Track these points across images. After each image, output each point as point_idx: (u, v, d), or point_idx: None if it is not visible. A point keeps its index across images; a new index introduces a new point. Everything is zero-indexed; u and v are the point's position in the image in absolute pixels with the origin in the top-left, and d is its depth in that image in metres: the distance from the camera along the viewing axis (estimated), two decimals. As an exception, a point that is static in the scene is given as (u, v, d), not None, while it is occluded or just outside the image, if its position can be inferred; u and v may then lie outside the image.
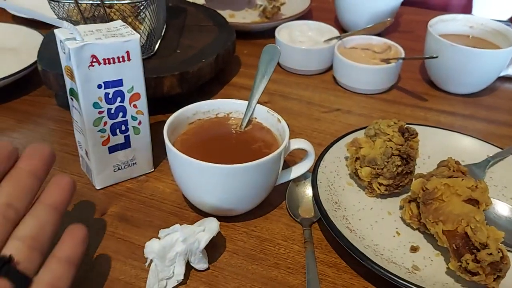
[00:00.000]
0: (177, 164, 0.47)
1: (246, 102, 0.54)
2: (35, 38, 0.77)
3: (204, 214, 0.50)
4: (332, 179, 0.54)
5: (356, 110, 0.71)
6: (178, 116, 0.52)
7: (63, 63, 0.48)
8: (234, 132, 0.54)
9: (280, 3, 0.94)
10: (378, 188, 0.51)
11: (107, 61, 0.46)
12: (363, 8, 0.89)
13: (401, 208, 0.51)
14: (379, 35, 0.84)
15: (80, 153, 0.55)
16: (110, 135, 0.51)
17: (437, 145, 0.59)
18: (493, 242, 0.40)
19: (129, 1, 0.61)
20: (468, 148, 0.59)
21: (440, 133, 0.61)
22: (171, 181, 0.55)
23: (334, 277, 0.45)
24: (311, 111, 0.71)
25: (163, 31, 0.75)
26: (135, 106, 0.51)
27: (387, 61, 0.74)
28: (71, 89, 0.49)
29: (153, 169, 0.57)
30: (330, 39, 0.79)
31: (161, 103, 0.65)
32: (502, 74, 0.78)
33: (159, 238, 0.43)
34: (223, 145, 0.52)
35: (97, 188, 0.54)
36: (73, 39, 0.45)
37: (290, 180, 0.53)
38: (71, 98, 0.50)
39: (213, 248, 0.46)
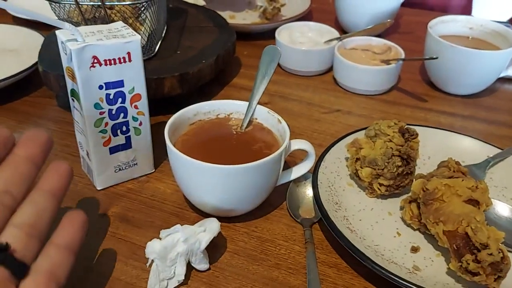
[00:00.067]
0: (178, 164, 0.48)
1: (247, 103, 0.54)
2: (36, 39, 0.78)
3: (204, 215, 0.50)
4: (333, 180, 0.54)
5: (356, 111, 0.72)
6: (179, 116, 0.52)
7: (64, 64, 0.48)
8: (234, 132, 0.54)
9: (280, 4, 0.95)
10: (379, 189, 0.52)
11: (108, 62, 0.46)
12: (363, 9, 0.89)
13: (401, 208, 0.51)
14: (379, 36, 0.85)
15: (81, 154, 0.55)
16: (111, 136, 0.51)
17: (437, 146, 0.59)
18: (493, 243, 0.40)
19: (130, 3, 0.61)
20: (468, 148, 0.59)
21: (440, 133, 0.61)
22: (172, 182, 0.55)
23: (335, 277, 0.45)
24: (311, 112, 0.71)
25: (164, 32, 0.75)
26: (136, 107, 0.51)
27: (387, 62, 0.74)
28: (72, 90, 0.49)
29: (153, 170, 0.57)
30: (330, 40, 0.79)
31: (162, 104, 0.65)
32: (502, 75, 0.78)
33: (160, 239, 0.43)
34: (224, 145, 0.52)
35: (98, 188, 0.54)
36: (74, 40, 0.45)
37: (290, 181, 0.53)
38: (72, 99, 0.50)
39: (214, 249, 0.46)
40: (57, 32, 0.46)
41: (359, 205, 0.52)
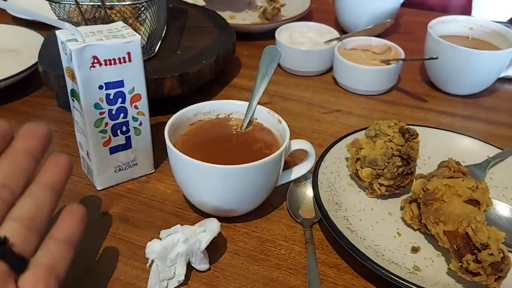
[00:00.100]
0: (178, 164, 0.48)
1: (247, 103, 0.54)
2: (36, 39, 0.78)
3: (205, 215, 0.50)
4: (333, 180, 0.54)
5: (356, 111, 0.72)
6: (179, 116, 0.52)
7: (64, 64, 0.48)
8: (234, 133, 0.54)
9: (280, 5, 0.95)
10: (379, 189, 0.52)
11: (108, 62, 0.46)
12: (363, 10, 0.89)
13: (401, 208, 0.51)
14: (379, 36, 0.85)
15: (81, 154, 0.55)
16: (111, 136, 0.51)
17: (438, 146, 0.59)
18: (494, 243, 0.40)
19: (130, 3, 0.61)
20: (469, 149, 0.59)
21: (440, 134, 0.61)
22: (172, 182, 0.55)
23: (335, 277, 0.45)
24: (311, 112, 0.71)
25: (164, 32, 0.75)
26: (136, 107, 0.51)
27: (387, 62, 0.74)
28: (72, 90, 0.49)
29: (153, 170, 0.57)
30: (330, 40, 0.79)
31: (162, 104, 0.65)
32: (502, 75, 0.78)
33: (160, 239, 0.43)
34: (224, 145, 0.52)
35: (98, 189, 0.54)
36: (74, 40, 0.45)
37: (290, 181, 0.53)
38: (72, 99, 0.50)
39: (214, 249, 0.46)
40: (57, 32, 0.46)
41: (359, 205, 0.52)
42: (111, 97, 0.48)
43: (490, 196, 0.46)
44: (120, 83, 0.48)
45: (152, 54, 0.69)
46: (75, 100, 0.49)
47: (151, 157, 0.56)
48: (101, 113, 0.49)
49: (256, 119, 0.55)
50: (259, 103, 0.54)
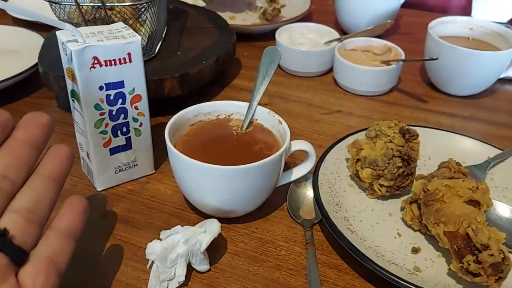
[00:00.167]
0: (179, 165, 0.47)
1: (247, 104, 0.54)
2: (36, 40, 0.78)
3: (205, 216, 0.50)
4: (333, 181, 0.54)
5: (356, 111, 0.72)
6: (179, 117, 0.52)
7: (65, 65, 0.48)
8: (235, 133, 0.54)
9: (280, 5, 0.95)
10: (379, 190, 0.51)
11: (108, 62, 0.46)
12: (363, 10, 0.89)
13: (402, 209, 0.51)
14: (379, 37, 0.85)
15: (81, 154, 0.55)
16: (112, 137, 0.51)
17: (438, 147, 0.59)
18: (494, 243, 0.40)
19: (130, 3, 0.61)
20: (469, 149, 0.59)
21: (440, 134, 0.61)
22: (172, 183, 0.55)
23: (335, 278, 0.45)
24: (311, 113, 0.71)
25: (164, 33, 0.75)
26: (136, 107, 0.51)
27: (387, 63, 0.74)
28: (73, 91, 0.49)
29: (154, 171, 0.57)
30: (330, 41, 0.79)
31: (162, 105, 0.65)
32: (502, 76, 0.78)
33: (160, 240, 0.43)
34: (224, 146, 0.52)
35: (98, 189, 0.54)
36: (74, 41, 0.45)
37: (291, 182, 0.53)
38: (72, 100, 0.50)
39: (214, 250, 0.46)
40: (57, 33, 0.46)
41: (360, 206, 0.52)
42: (112, 97, 0.48)
43: (490, 197, 0.46)
44: (121, 84, 0.48)
45: (153, 55, 0.69)
46: (75, 100, 0.49)
47: (151, 158, 0.56)
48: (101, 114, 0.49)
49: (257, 119, 0.55)
50: (259, 103, 0.54)
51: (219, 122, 0.55)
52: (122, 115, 0.50)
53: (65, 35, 0.45)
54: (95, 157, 0.51)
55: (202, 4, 0.94)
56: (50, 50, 0.68)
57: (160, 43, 0.72)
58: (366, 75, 0.73)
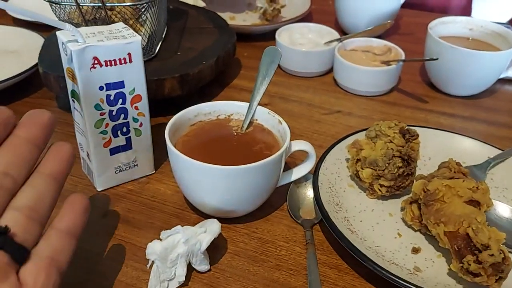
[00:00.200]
0: (179, 165, 0.47)
1: (247, 104, 0.54)
2: (36, 40, 0.78)
3: (205, 216, 0.50)
4: (333, 181, 0.54)
5: (356, 112, 0.72)
6: (179, 117, 0.52)
7: (65, 65, 0.48)
8: (235, 133, 0.54)
9: (281, 6, 0.95)
10: (379, 190, 0.51)
11: (108, 63, 0.46)
12: (363, 11, 0.89)
13: (402, 209, 0.51)
14: (379, 37, 0.85)
15: (81, 155, 0.55)
16: (112, 137, 0.51)
17: (438, 147, 0.59)
18: (494, 243, 0.40)
19: (131, 4, 0.61)
20: (469, 149, 0.59)
21: (440, 134, 0.61)
22: (172, 183, 0.55)
23: (335, 278, 0.45)
24: (311, 113, 0.71)
25: (164, 33, 0.75)
26: (136, 108, 0.51)
27: (387, 63, 0.74)
28: (73, 91, 0.49)
29: (154, 171, 0.57)
30: (331, 42, 0.79)
31: (162, 105, 0.65)
32: (502, 76, 0.78)
33: (160, 240, 0.43)
34: (225, 146, 0.52)
35: (98, 190, 0.54)
36: (75, 41, 0.45)
37: (291, 182, 0.53)
38: (73, 100, 0.50)
39: (215, 250, 0.46)
40: (57, 33, 0.46)
41: (360, 206, 0.52)
42: (112, 98, 0.48)
43: (490, 197, 0.46)
44: (121, 84, 0.48)
45: (153, 55, 0.69)
46: (75, 101, 0.49)
47: (152, 158, 0.56)
48: (101, 114, 0.49)
49: (257, 120, 0.55)
50: (259, 104, 0.54)
51: (219, 122, 0.55)
52: (122, 115, 0.50)
53: (65, 35, 0.45)
54: (95, 157, 0.51)
55: (202, 4, 0.94)
56: (50, 50, 0.68)
57: (160, 43, 0.72)
58: (366, 75, 0.73)
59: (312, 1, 0.99)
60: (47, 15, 0.42)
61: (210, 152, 0.50)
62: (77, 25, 0.61)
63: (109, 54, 0.46)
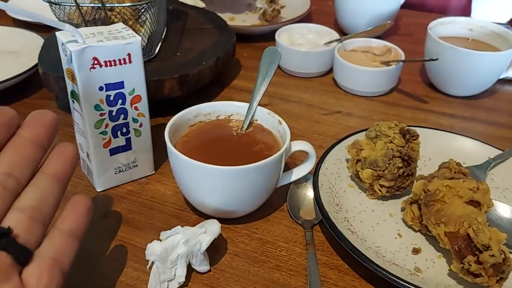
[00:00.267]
0: (179, 166, 0.47)
1: (247, 104, 0.54)
2: (36, 41, 0.78)
3: (205, 216, 0.50)
4: (333, 181, 0.54)
5: (356, 112, 0.72)
6: (179, 118, 0.52)
7: (65, 66, 0.48)
8: (235, 134, 0.54)
9: (280, 6, 0.95)
10: (380, 190, 0.51)
11: (108, 63, 0.46)
12: (363, 11, 0.89)
13: (402, 210, 0.51)
14: (379, 37, 0.85)
15: (81, 155, 0.55)
16: (111, 137, 0.51)
17: (438, 147, 0.59)
18: (495, 244, 0.40)
19: (130, 4, 0.61)
20: (469, 150, 0.59)
21: (440, 135, 0.61)
22: (172, 183, 0.55)
23: (336, 279, 0.45)
24: (311, 114, 0.71)
25: (164, 34, 0.75)
26: (136, 108, 0.51)
27: (387, 63, 0.74)
28: (72, 92, 0.49)
29: (154, 172, 0.57)
30: (330, 42, 0.79)
31: (161, 105, 0.65)
32: (502, 76, 0.78)
33: (160, 240, 0.43)
34: (224, 147, 0.52)
35: (98, 190, 0.53)
36: (74, 42, 0.45)
37: (291, 182, 0.53)
38: (72, 101, 0.50)
39: (215, 250, 0.46)
40: (57, 33, 0.46)
41: (360, 207, 0.52)
42: (111, 98, 0.48)
43: (491, 197, 0.46)
44: (120, 85, 0.48)
45: (152, 56, 0.69)
46: (75, 101, 0.49)
47: (151, 159, 0.56)
48: (101, 115, 0.49)
49: (257, 120, 0.55)
50: (259, 104, 0.54)
51: (219, 122, 0.55)
52: (122, 116, 0.50)
53: (65, 35, 0.45)
54: (95, 157, 0.51)
55: (202, 5, 0.94)
56: (50, 51, 0.68)
57: (160, 44, 0.72)
58: (366, 75, 0.73)
59: (311, 2, 0.99)
60: (47, 16, 0.42)
61: (210, 152, 0.50)
62: (77, 26, 0.61)
63: (109, 54, 0.46)
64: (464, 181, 0.46)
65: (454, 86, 0.76)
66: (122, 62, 0.47)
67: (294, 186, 0.54)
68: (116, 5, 0.61)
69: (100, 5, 0.59)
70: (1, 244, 0.29)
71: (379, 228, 0.49)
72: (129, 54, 0.47)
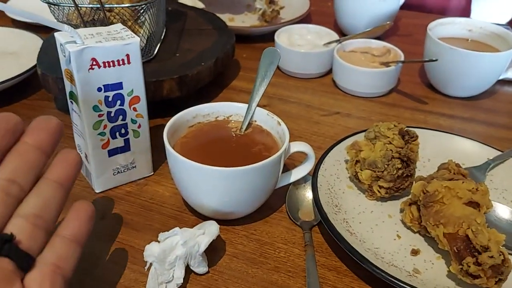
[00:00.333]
0: (177, 167, 0.47)
1: (246, 105, 0.54)
2: (35, 42, 0.78)
3: (203, 218, 0.50)
4: (332, 182, 0.54)
5: (355, 113, 0.71)
6: (178, 119, 0.52)
7: (63, 66, 0.48)
8: (234, 135, 0.54)
9: (280, 7, 0.95)
10: (379, 191, 0.51)
11: (107, 64, 0.46)
12: (362, 12, 0.89)
13: (401, 211, 0.51)
14: (378, 38, 0.85)
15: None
16: (110, 138, 0.51)
17: (437, 148, 0.59)
18: (494, 245, 0.40)
19: (129, 5, 0.61)
20: (468, 151, 0.59)
21: (440, 136, 0.61)
22: (171, 185, 0.55)
23: (334, 280, 0.45)
24: (310, 115, 0.71)
25: (163, 34, 0.75)
26: (134, 109, 0.51)
27: (386, 64, 0.74)
28: (71, 92, 0.49)
29: (152, 173, 0.57)
30: (330, 43, 0.79)
31: (160, 106, 0.65)
32: (501, 77, 0.78)
33: (158, 242, 0.42)
34: (223, 148, 0.52)
35: (97, 191, 0.53)
36: (73, 42, 0.45)
37: (290, 183, 0.53)
38: (71, 102, 0.50)
39: (213, 252, 0.46)
40: (56, 34, 0.46)
41: (359, 208, 0.52)
42: (110, 99, 0.48)
43: (490, 198, 0.46)
44: (119, 85, 0.48)
45: (151, 57, 0.69)
46: (73, 102, 0.49)
47: (150, 160, 0.56)
48: (99, 116, 0.49)
49: (256, 121, 0.55)
50: (258, 105, 0.54)
51: (218, 123, 0.55)
52: (121, 117, 0.50)
53: (64, 36, 0.45)
54: (94, 158, 0.51)
55: (201, 5, 0.94)
56: (49, 52, 0.68)
57: (158, 44, 0.72)
58: (365, 76, 0.73)
59: (311, 3, 0.99)
60: (46, 17, 0.42)
61: (209, 153, 0.50)
62: (76, 27, 0.61)
63: (108, 55, 0.46)
64: (463, 182, 0.46)
65: (454, 87, 0.76)
66: (121, 63, 0.47)
67: (293, 187, 0.54)
68: (115, 6, 0.61)
69: (99, 5, 0.58)
70: (3, 250, 0.29)
71: (378, 229, 0.49)
72: (127, 55, 0.47)
